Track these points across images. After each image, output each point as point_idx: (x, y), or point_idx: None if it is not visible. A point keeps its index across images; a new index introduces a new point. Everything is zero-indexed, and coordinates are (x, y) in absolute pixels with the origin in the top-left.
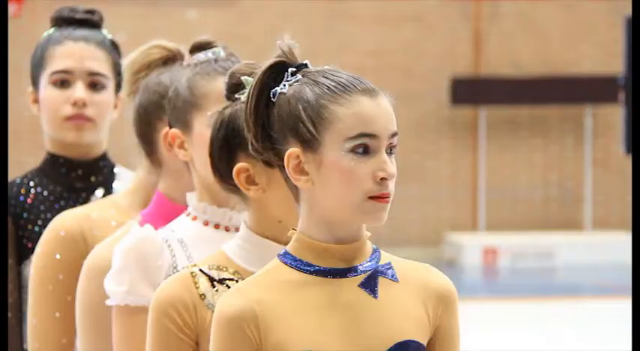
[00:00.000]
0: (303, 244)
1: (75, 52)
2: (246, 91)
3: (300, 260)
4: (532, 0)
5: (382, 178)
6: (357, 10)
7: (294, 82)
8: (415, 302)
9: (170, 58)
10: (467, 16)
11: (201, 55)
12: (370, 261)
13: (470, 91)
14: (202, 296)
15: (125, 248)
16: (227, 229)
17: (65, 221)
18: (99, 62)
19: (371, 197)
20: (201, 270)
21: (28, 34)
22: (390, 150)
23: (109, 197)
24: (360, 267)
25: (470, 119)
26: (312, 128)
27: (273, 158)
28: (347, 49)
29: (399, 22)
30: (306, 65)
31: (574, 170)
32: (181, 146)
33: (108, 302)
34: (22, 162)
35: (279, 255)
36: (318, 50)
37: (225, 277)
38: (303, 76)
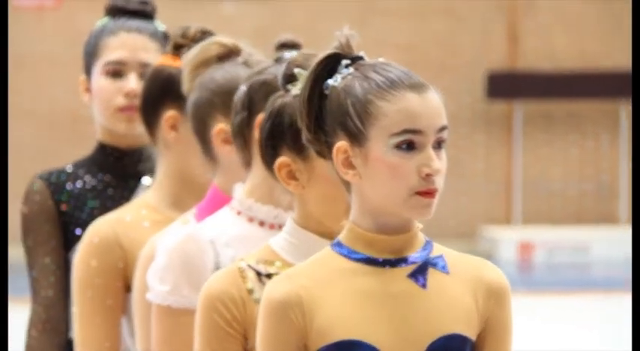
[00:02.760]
0: (355, 233)
1: (128, 43)
2: (299, 82)
3: (350, 249)
4: None
5: (427, 175)
6: (390, 5)
7: (347, 75)
8: (465, 295)
9: (226, 55)
10: (502, 9)
11: (287, 54)
12: (421, 252)
13: (505, 85)
14: (250, 291)
15: (169, 247)
16: (272, 227)
17: (99, 228)
18: (151, 53)
19: (417, 192)
20: (248, 265)
21: (67, 25)
22: (438, 144)
23: (139, 198)
24: (410, 257)
25: (505, 113)
26: (358, 123)
27: (325, 150)
28: (381, 44)
29: (433, 16)
30: (361, 57)
31: (610, 164)
32: None
33: (148, 296)
34: (60, 151)
35: (331, 243)
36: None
37: (272, 271)
38: (356, 69)
